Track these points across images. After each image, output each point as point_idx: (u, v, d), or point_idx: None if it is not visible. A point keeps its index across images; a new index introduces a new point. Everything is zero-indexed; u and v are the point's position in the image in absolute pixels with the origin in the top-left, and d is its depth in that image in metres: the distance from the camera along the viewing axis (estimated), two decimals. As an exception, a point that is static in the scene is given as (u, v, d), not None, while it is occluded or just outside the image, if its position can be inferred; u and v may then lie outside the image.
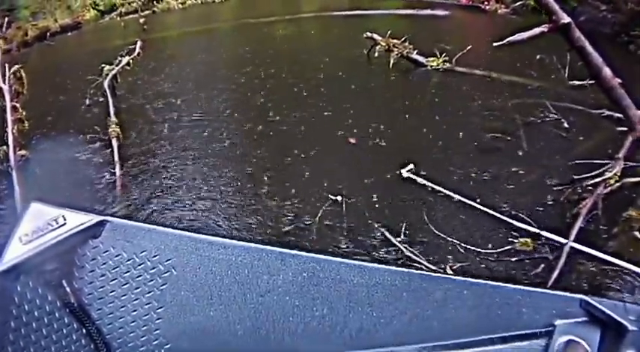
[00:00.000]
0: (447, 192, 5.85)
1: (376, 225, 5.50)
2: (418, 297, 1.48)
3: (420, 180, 6.19)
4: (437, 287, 1.49)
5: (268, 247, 1.60)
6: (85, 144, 8.11)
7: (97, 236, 1.61)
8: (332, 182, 6.39)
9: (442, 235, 5.19)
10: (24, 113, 7.55)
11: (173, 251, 1.61)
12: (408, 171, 6.43)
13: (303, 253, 1.58)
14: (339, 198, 5.86)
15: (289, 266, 1.55)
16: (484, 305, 1.45)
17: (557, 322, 1.38)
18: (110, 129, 7.89)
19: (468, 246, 5.00)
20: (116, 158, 7.38)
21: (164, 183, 6.92)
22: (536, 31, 4.60)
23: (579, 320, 1.37)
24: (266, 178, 6.81)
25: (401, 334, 1.48)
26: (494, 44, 4.72)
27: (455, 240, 5.09)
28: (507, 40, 4.57)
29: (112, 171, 7.23)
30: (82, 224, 1.57)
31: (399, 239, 5.21)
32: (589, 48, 4.71)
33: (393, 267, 1.58)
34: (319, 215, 5.68)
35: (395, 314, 1.49)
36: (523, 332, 1.40)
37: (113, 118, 8.14)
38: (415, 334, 1.47)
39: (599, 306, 1.34)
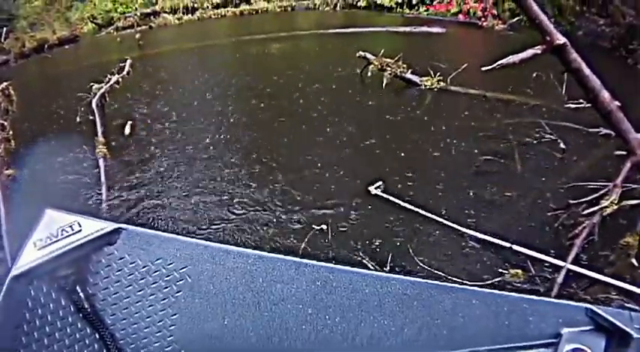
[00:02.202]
0: (436, 218, 5.72)
1: (361, 254, 5.34)
2: (428, 306, 1.50)
3: (392, 199, 6.16)
4: (446, 296, 1.51)
5: (282, 256, 1.61)
6: (73, 164, 8.08)
7: (112, 243, 1.62)
8: (319, 205, 6.31)
9: (427, 268, 5.04)
10: (10, 132, 7.35)
11: (188, 259, 1.62)
12: (376, 188, 6.41)
13: (317, 262, 1.59)
14: (324, 226, 5.72)
15: (303, 275, 1.57)
16: (492, 314, 1.47)
17: (564, 330, 1.41)
18: (97, 150, 7.76)
19: (455, 278, 4.83)
20: (102, 179, 7.25)
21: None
22: (529, 52, 4.45)
23: (585, 328, 1.40)
24: (256, 197, 6.72)
25: (411, 342, 1.50)
26: (483, 69, 4.57)
27: (441, 272, 4.93)
28: (498, 63, 4.42)
29: (99, 192, 7.11)
30: (97, 231, 1.58)
31: (385, 269, 5.05)
32: (586, 70, 4.55)
33: (404, 277, 1.59)
34: (304, 242, 5.53)
35: (405, 323, 1.51)
36: (530, 341, 1.43)
37: (101, 138, 8.01)
38: (425, 342, 1.50)
39: (605, 315, 1.37)
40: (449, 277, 4.83)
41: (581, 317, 1.40)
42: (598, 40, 11.90)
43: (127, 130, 8.77)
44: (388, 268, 5.03)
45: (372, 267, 5.05)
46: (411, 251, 5.28)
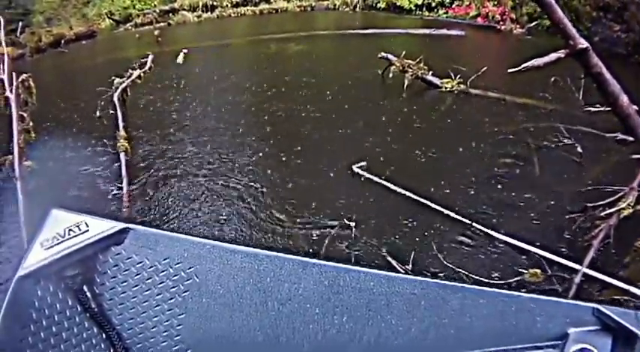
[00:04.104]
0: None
1: (384, 251, 5.39)
2: (435, 306, 1.50)
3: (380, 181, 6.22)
4: (454, 295, 1.50)
5: (290, 256, 1.59)
6: (93, 158, 8.14)
7: (119, 243, 1.60)
8: (340, 206, 6.34)
9: (451, 266, 5.07)
10: (31, 124, 7.46)
11: (196, 258, 1.60)
12: (359, 168, 6.71)
13: (325, 262, 1.57)
14: (352, 223, 5.76)
15: (311, 275, 1.55)
16: (499, 314, 1.47)
17: (570, 330, 1.41)
18: (118, 144, 7.82)
19: (477, 277, 4.88)
20: (124, 173, 7.31)
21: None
22: (553, 56, 4.48)
23: (592, 328, 1.40)
24: (271, 199, 6.78)
25: (418, 342, 1.50)
26: (510, 70, 4.61)
27: (462, 270, 4.98)
28: (523, 66, 4.45)
29: (120, 185, 7.17)
30: (104, 231, 1.57)
31: (407, 267, 5.09)
32: (606, 74, 4.58)
33: (412, 276, 1.59)
34: (327, 240, 5.61)
35: (413, 322, 1.50)
36: (537, 341, 1.42)
37: (122, 132, 8.05)
38: (432, 342, 1.49)
39: (611, 314, 1.37)
40: (470, 274, 4.90)
41: (588, 317, 1.41)
42: (613, 46, 11.91)
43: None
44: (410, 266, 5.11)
45: (395, 264, 5.12)
46: (434, 247, 5.36)
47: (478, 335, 1.47)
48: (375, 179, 6.65)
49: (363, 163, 6.75)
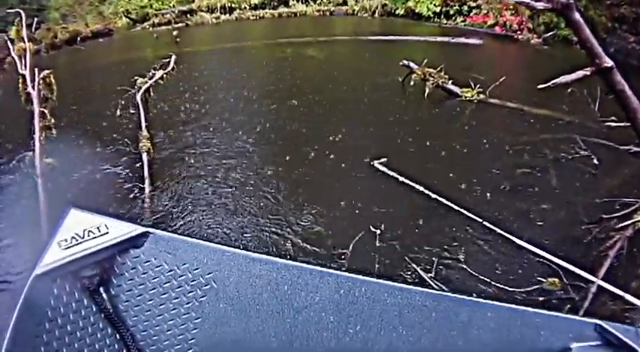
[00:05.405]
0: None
1: (407, 258, 5.42)
2: (445, 318, 1.55)
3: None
4: (463, 308, 1.56)
5: (308, 265, 1.64)
6: (114, 157, 8.16)
7: (139, 246, 1.64)
8: (360, 214, 6.36)
9: (472, 272, 5.14)
10: (52, 120, 7.45)
11: (215, 265, 1.65)
12: (379, 164, 6.79)
13: (342, 272, 1.63)
14: (378, 231, 5.76)
15: (327, 285, 1.60)
16: (506, 327, 1.53)
17: (573, 345, 1.47)
18: (141, 144, 7.81)
19: (497, 284, 4.94)
20: (146, 173, 7.30)
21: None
22: (580, 73, 4.56)
23: (593, 343, 1.46)
24: (291, 205, 6.75)
25: None
26: (539, 87, 4.71)
27: (483, 277, 5.04)
28: (552, 82, 4.55)
29: (141, 186, 7.17)
30: (124, 234, 1.60)
31: (429, 275, 5.13)
32: (628, 91, 4.67)
33: (425, 289, 1.64)
34: (351, 246, 5.58)
35: (423, 333, 1.55)
36: None
37: (144, 132, 8.04)
38: None
39: (612, 331, 1.43)
40: (491, 281, 4.97)
41: (591, 333, 1.47)
42: (627, 57, 11.90)
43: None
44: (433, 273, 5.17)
45: (420, 271, 5.18)
46: (461, 256, 5.44)
47: (485, 347, 1.53)
48: (393, 174, 6.78)
49: (384, 159, 6.77)
